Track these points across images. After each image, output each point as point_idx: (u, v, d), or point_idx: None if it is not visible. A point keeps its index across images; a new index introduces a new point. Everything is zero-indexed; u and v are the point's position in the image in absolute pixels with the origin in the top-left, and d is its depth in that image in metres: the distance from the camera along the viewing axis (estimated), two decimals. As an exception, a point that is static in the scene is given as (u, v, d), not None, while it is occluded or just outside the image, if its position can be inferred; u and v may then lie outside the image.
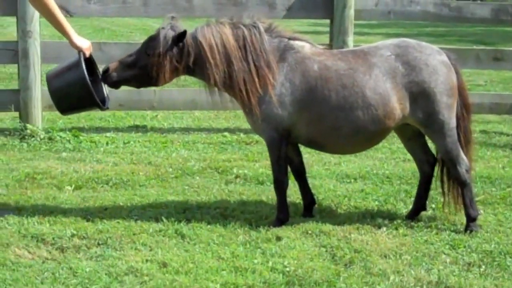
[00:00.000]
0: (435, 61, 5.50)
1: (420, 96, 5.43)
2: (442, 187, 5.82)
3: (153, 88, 11.29)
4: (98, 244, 5.12)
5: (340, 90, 5.39)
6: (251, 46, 5.40)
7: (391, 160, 7.72)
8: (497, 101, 9.23)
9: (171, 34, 5.35)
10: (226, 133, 8.78)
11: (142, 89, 9.96)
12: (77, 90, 5.28)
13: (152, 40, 5.41)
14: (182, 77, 5.80)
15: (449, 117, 5.49)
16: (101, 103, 5.45)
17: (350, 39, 8.55)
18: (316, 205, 5.89)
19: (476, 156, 7.93)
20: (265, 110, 5.39)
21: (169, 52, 5.34)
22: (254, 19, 5.53)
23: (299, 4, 8.75)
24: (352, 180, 6.93)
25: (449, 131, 5.50)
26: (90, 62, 5.46)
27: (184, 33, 5.34)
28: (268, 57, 5.40)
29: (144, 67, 5.40)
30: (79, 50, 5.34)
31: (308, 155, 7.73)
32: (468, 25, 24.72)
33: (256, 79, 5.35)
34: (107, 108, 5.62)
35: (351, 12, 8.60)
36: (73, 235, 5.23)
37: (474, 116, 9.61)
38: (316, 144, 5.68)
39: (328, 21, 9.01)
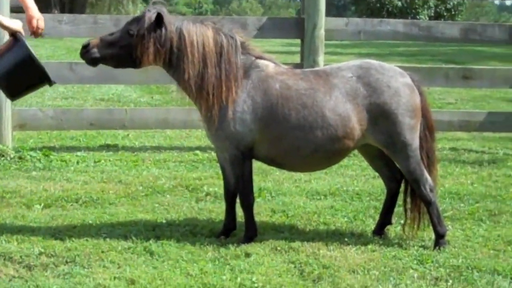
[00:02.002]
0: (398, 83, 5.52)
1: (381, 118, 5.45)
2: (405, 207, 5.85)
3: (124, 107, 11.41)
4: (66, 262, 5.09)
5: (300, 109, 5.41)
6: (226, 55, 5.42)
7: (361, 177, 7.77)
8: (467, 119, 9.31)
9: (154, 16, 5.34)
10: (197, 152, 8.80)
11: (113, 108, 10.10)
12: (25, 68, 5.09)
13: (136, 20, 5.41)
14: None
15: (412, 138, 5.51)
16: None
17: (321, 59, 8.61)
18: (235, 231, 5.80)
19: (445, 172, 8.05)
20: (227, 128, 5.39)
21: (153, 33, 5.32)
22: (233, 31, 5.57)
23: (270, 24, 8.81)
24: (322, 197, 6.96)
25: (412, 152, 5.52)
26: None
27: (161, 16, 5.31)
28: (237, 71, 5.43)
29: (126, 47, 5.38)
30: (16, 31, 5.10)
31: (279, 172, 7.79)
32: (439, 45, 25.08)
33: (224, 89, 5.37)
34: (55, 83, 5.42)
35: (321, 32, 8.66)
36: (40, 253, 5.20)
37: (444, 134, 9.83)
38: (276, 163, 5.69)
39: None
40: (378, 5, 42.18)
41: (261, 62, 5.57)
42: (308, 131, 5.41)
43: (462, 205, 6.78)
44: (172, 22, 5.42)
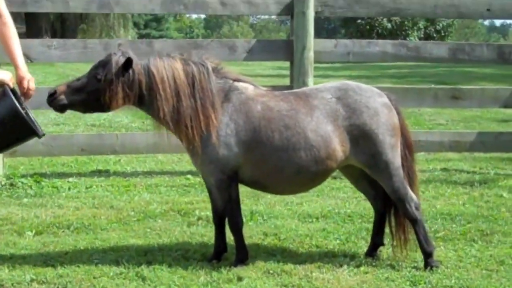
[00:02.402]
0: (376, 103, 5.57)
1: (362, 138, 5.48)
2: (390, 227, 5.87)
3: (115, 132, 11.41)
4: (58, 288, 5.08)
5: (283, 130, 5.42)
6: (199, 84, 5.40)
7: (353, 199, 7.77)
8: (457, 139, 9.31)
9: (122, 60, 5.30)
10: (189, 176, 8.79)
11: (104, 133, 10.08)
12: (10, 123, 4.96)
13: (103, 65, 5.34)
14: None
15: (393, 157, 5.53)
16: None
17: (310, 80, 8.62)
18: (226, 253, 5.79)
19: (437, 193, 8.07)
20: (211, 152, 5.38)
21: (121, 78, 5.28)
22: (202, 58, 5.56)
23: (259, 47, 8.84)
24: (314, 220, 6.96)
25: (394, 170, 5.54)
26: (14, 94, 5.09)
27: (130, 60, 5.28)
28: (213, 97, 5.41)
29: (93, 92, 5.31)
30: (3, 84, 5.00)
31: (271, 196, 7.77)
32: (430, 66, 25.22)
33: (202, 118, 5.35)
34: (44, 135, 5.43)
35: (310, 54, 8.69)
36: (32, 280, 5.18)
37: (436, 155, 9.85)
38: (260, 185, 5.67)
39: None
40: (368, 27, 42.34)
41: (240, 84, 5.58)
42: (291, 152, 5.42)
43: (454, 225, 6.78)
44: (138, 62, 5.37)
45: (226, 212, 5.60)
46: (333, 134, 5.45)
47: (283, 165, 5.44)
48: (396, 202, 5.65)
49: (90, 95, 5.34)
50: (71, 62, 8.21)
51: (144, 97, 5.39)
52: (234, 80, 5.59)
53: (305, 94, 5.63)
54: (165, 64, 5.40)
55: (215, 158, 5.39)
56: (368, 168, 5.59)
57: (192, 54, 5.60)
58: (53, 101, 5.37)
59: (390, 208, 5.82)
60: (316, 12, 8.80)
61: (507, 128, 12.70)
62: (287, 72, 9.42)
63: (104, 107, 5.42)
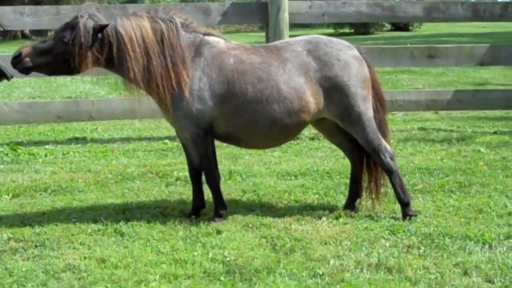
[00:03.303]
0: (346, 55, 5.56)
1: (334, 91, 5.48)
2: (366, 178, 5.88)
3: (91, 98, 11.35)
4: (36, 246, 5.05)
5: (256, 83, 5.40)
6: (168, 41, 5.35)
7: (331, 158, 7.78)
8: (434, 98, 9.33)
9: (91, 23, 5.23)
10: (166, 141, 8.77)
11: (80, 100, 10.01)
12: None
13: (70, 28, 5.26)
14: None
15: (365, 108, 5.54)
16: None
17: (286, 42, 8.58)
18: (204, 208, 5.78)
19: (415, 150, 8.11)
20: (185, 107, 5.34)
21: (89, 41, 5.22)
22: (170, 13, 5.50)
23: (234, 10, 8.79)
24: (293, 177, 6.96)
25: (367, 121, 5.54)
26: None
27: (105, 26, 5.23)
28: (183, 53, 5.36)
29: (60, 55, 5.25)
30: None
31: (249, 156, 7.81)
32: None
33: (172, 75, 5.31)
34: (12, 77, 5.33)
35: (285, 15, 8.66)
36: (9, 239, 5.16)
37: (413, 115, 9.88)
38: (234, 138, 5.64)
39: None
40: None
41: (211, 38, 5.54)
42: (265, 105, 5.40)
43: (432, 179, 6.81)
44: (106, 25, 5.28)
45: (203, 167, 5.57)
46: (306, 86, 5.44)
47: (257, 118, 5.42)
48: (370, 153, 5.66)
49: (56, 57, 5.28)
50: (44, 28, 8.05)
51: (114, 59, 5.33)
52: (205, 34, 5.54)
53: (276, 48, 5.61)
54: (133, 24, 5.32)
55: (190, 113, 5.36)
56: (341, 121, 5.58)
57: (159, 11, 5.53)
58: (18, 63, 5.30)
59: (366, 160, 5.82)
60: (290, -27, 8.75)
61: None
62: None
63: (72, 70, 5.36)
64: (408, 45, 10.88)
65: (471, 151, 8.03)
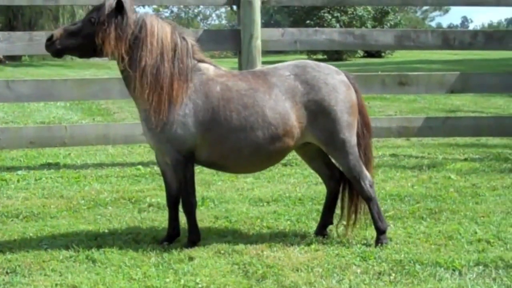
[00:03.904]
0: (334, 80, 5.59)
1: (320, 115, 5.50)
2: (342, 204, 5.91)
3: (64, 124, 11.32)
4: (6, 272, 5.03)
5: (241, 110, 5.42)
6: (180, 54, 5.43)
7: (303, 184, 7.83)
8: (405, 125, 9.42)
9: (114, 3, 5.33)
10: (139, 166, 8.76)
11: (53, 125, 10.00)
12: None
13: (97, 9, 5.39)
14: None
15: (350, 135, 5.56)
16: None
17: (259, 69, 8.65)
18: (179, 237, 5.77)
19: (386, 177, 8.16)
20: (168, 131, 5.35)
21: (113, 19, 5.31)
22: (184, 34, 5.58)
23: (207, 37, 8.81)
24: (265, 203, 6.99)
25: (350, 148, 5.57)
26: None
27: (121, 2, 5.30)
28: (188, 73, 5.43)
29: (88, 36, 5.36)
30: None
31: (222, 182, 7.84)
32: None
33: (176, 86, 5.36)
34: None
35: (258, 43, 8.72)
36: (-20, 265, 5.13)
37: (385, 142, 9.96)
38: (217, 165, 5.68)
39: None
40: (317, 27, 42.53)
41: (203, 65, 5.57)
42: (249, 132, 5.42)
43: (403, 205, 6.87)
44: (133, 11, 5.42)
45: (181, 193, 5.57)
46: (291, 110, 5.46)
47: (240, 145, 5.44)
48: (351, 179, 5.69)
49: (85, 38, 5.38)
50: (17, 54, 8.07)
51: (132, 46, 5.37)
52: (198, 61, 5.58)
53: (263, 73, 5.63)
54: (159, 23, 5.45)
55: (172, 137, 5.36)
56: (324, 146, 5.61)
57: (177, 27, 5.62)
58: (50, 46, 5.43)
59: (344, 186, 5.87)
60: (262, 2, 8.83)
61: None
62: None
63: (97, 50, 5.43)
64: (380, 72, 10.96)
65: (441, 178, 8.11)
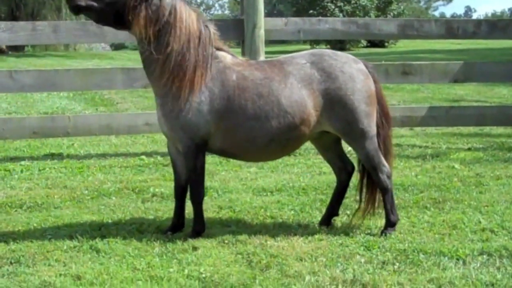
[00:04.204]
0: (352, 68, 5.53)
1: (337, 104, 5.44)
2: (360, 195, 5.87)
3: (67, 114, 11.32)
4: (11, 262, 5.03)
5: (256, 99, 5.38)
6: (203, 42, 5.40)
7: (307, 174, 7.82)
8: (408, 114, 9.40)
9: None
10: (143, 157, 8.76)
11: (56, 116, 9.99)
12: None
13: None
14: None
15: (369, 125, 5.51)
16: None
17: (262, 58, 8.62)
18: (183, 228, 5.75)
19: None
20: (183, 118, 5.30)
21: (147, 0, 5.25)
22: (207, 22, 5.55)
23: (210, 26, 8.79)
24: (269, 193, 6.99)
25: (369, 138, 5.53)
26: None
27: None
28: (208, 60, 5.40)
29: (113, 4, 5.22)
30: None
31: (225, 172, 7.84)
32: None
33: (199, 73, 5.33)
34: None
35: (261, 32, 8.71)
36: (-17, 256, 5.14)
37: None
38: (230, 154, 5.65)
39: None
40: (320, 18, 42.44)
41: (220, 53, 5.54)
42: (264, 121, 5.38)
43: (407, 195, 6.87)
44: None
45: (190, 182, 5.52)
46: (308, 98, 5.42)
47: (254, 134, 5.41)
48: (369, 169, 5.66)
49: (108, 6, 5.24)
50: (20, 44, 8.07)
51: (159, 29, 5.30)
52: (217, 49, 5.54)
53: (279, 62, 5.60)
54: (187, 10, 5.40)
55: (186, 125, 5.32)
56: (343, 135, 5.58)
57: (201, 14, 5.59)
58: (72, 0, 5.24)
59: (363, 177, 5.83)
60: (266, -10, 8.82)
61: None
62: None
63: (118, 23, 5.34)
64: (383, 62, 10.94)
65: (445, 168, 8.10)
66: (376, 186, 5.74)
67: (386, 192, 5.64)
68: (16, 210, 6.46)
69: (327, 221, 5.90)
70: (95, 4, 5.23)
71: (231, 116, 5.38)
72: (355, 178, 5.99)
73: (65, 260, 5.04)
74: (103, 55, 34.46)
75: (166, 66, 5.33)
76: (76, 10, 5.29)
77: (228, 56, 5.58)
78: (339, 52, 5.76)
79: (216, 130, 5.40)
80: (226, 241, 5.44)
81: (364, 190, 5.86)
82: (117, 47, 50.52)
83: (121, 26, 5.40)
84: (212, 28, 5.54)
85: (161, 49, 5.32)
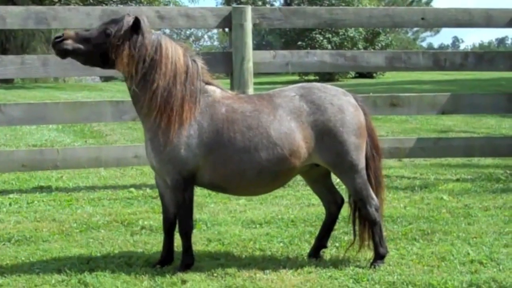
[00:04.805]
0: (341, 101, 5.57)
1: (327, 136, 5.46)
2: (354, 229, 5.87)
3: (56, 146, 11.30)
4: (-1, 297, 5.02)
5: (245, 131, 5.39)
6: (191, 76, 5.43)
7: (296, 206, 7.83)
8: (397, 146, 9.44)
9: (132, 21, 5.31)
10: (132, 189, 8.75)
11: (45, 148, 9.98)
12: None
13: (115, 22, 5.35)
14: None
15: (358, 158, 5.53)
16: None
17: (251, 91, 8.66)
18: (172, 261, 5.72)
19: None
20: (171, 152, 5.32)
21: (130, 37, 5.29)
22: (194, 56, 5.58)
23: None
24: (258, 225, 6.98)
25: (358, 171, 5.54)
26: None
27: (138, 21, 5.30)
28: (197, 95, 5.43)
29: (100, 45, 5.29)
30: None
31: (214, 204, 7.83)
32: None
33: (186, 108, 5.36)
34: None
35: (249, 65, 8.75)
36: (-29, 290, 5.12)
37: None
38: (219, 187, 5.63)
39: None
40: (309, 48, 42.57)
41: (209, 87, 5.56)
42: (253, 153, 5.39)
43: (395, 226, 6.88)
44: (149, 32, 5.40)
45: (179, 215, 5.52)
46: (297, 130, 5.43)
47: (244, 167, 5.40)
48: (357, 202, 5.68)
49: (96, 47, 5.32)
50: (9, 78, 8.08)
51: (144, 66, 5.34)
52: (206, 83, 5.58)
53: (268, 95, 5.64)
54: (172, 46, 5.45)
55: (174, 158, 5.33)
56: (332, 167, 5.59)
57: (188, 49, 5.63)
58: (58, 44, 5.30)
59: (355, 209, 5.82)
60: (254, 24, 8.87)
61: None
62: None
63: (106, 63, 5.40)
64: (371, 94, 11.00)
65: (434, 199, 8.13)
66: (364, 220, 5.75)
67: (374, 224, 5.65)
68: (4, 244, 6.43)
69: (315, 253, 5.90)
70: (81, 47, 5.31)
71: (220, 149, 5.39)
72: (344, 210, 6.01)
73: (53, 295, 5.03)
74: (93, 86, 34.46)
75: (153, 103, 5.36)
76: (63, 53, 5.36)
77: (218, 90, 5.60)
78: (328, 85, 5.80)
79: (204, 163, 5.40)
80: (215, 274, 5.43)
81: (357, 223, 5.85)
82: (107, 78, 50.61)
83: (108, 66, 5.45)
84: (200, 62, 5.57)
85: (147, 86, 5.37)
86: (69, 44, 5.30)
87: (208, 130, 5.38)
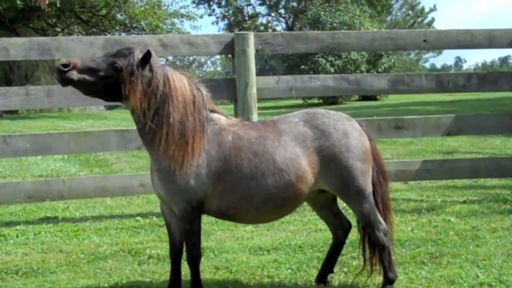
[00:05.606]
0: (345, 125, 5.56)
1: (332, 161, 5.44)
2: (364, 255, 5.85)
3: (62, 176, 11.31)
4: (7, 331, 5.01)
5: (251, 158, 5.37)
6: (198, 106, 5.38)
7: (303, 231, 7.81)
8: (402, 168, 9.42)
9: (141, 55, 5.23)
10: (138, 218, 8.74)
11: (51, 179, 9.98)
12: None
13: (123, 55, 5.23)
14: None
15: (365, 183, 5.49)
16: None
17: (255, 117, 8.68)
18: None
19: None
20: (180, 181, 5.26)
21: (141, 72, 5.21)
22: (198, 85, 5.53)
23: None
24: (265, 252, 6.97)
25: (365, 196, 5.51)
26: None
27: (149, 53, 5.22)
28: (204, 124, 5.39)
29: (106, 78, 5.17)
30: None
31: (221, 232, 7.81)
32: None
33: (198, 138, 5.32)
34: None
35: (253, 91, 8.77)
36: (-20, 324, 5.10)
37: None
38: (227, 215, 5.57)
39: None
40: (312, 72, 42.67)
41: (215, 115, 5.54)
42: (260, 179, 5.35)
43: (403, 250, 6.85)
44: (157, 65, 5.33)
45: (186, 244, 5.46)
46: (302, 155, 5.41)
47: (251, 194, 5.36)
48: (365, 227, 5.66)
49: (102, 79, 5.18)
50: (13, 109, 8.12)
51: (156, 100, 5.26)
52: (210, 111, 5.55)
53: (273, 121, 5.63)
54: (178, 77, 5.37)
55: (184, 188, 5.27)
56: (338, 193, 5.56)
57: (192, 77, 5.57)
58: (64, 73, 5.12)
59: (365, 235, 5.80)
60: (256, 50, 8.90)
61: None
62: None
63: (109, 95, 5.29)
64: (375, 117, 11.01)
65: (441, 221, 8.10)
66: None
67: (383, 249, 5.62)
68: (12, 276, 6.42)
69: (322, 279, 5.87)
70: (87, 77, 5.18)
71: (228, 176, 5.36)
72: (351, 234, 6.00)
73: (61, 327, 5.02)
74: (97, 115, 34.58)
75: (170, 137, 5.28)
76: (67, 82, 5.20)
77: (223, 118, 5.60)
78: (332, 111, 5.80)
79: (213, 191, 5.37)
80: (223, 303, 5.42)
81: (367, 249, 5.83)
82: (111, 106, 50.82)
83: (111, 99, 5.38)
84: (203, 90, 5.54)
85: (161, 120, 5.29)
86: (74, 74, 5.17)
87: (216, 158, 5.36)
